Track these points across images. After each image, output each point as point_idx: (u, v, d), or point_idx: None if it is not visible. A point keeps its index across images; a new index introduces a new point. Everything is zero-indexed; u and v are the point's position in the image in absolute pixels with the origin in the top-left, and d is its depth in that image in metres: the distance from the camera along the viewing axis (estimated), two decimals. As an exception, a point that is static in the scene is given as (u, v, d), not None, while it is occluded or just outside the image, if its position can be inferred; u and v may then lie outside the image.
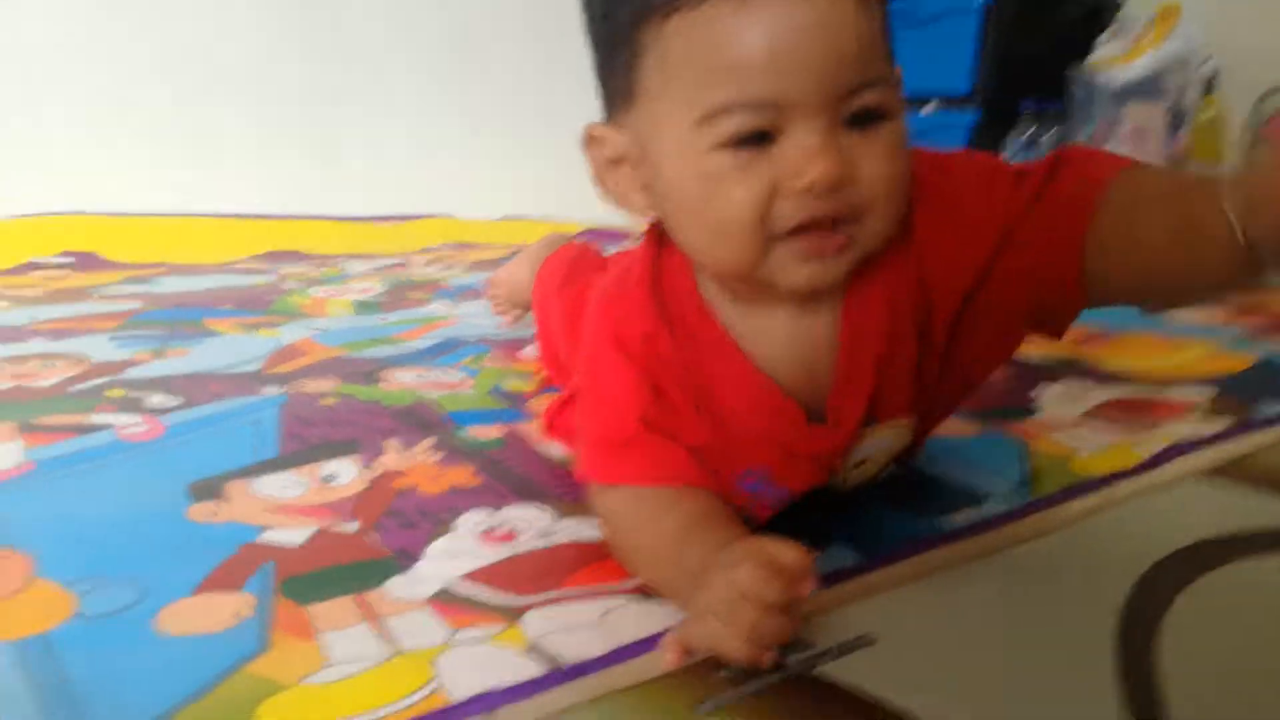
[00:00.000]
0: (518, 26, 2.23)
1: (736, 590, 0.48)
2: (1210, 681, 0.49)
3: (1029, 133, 2.34)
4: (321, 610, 0.57)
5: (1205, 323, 1.37)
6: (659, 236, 0.61)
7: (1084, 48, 2.35)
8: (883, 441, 0.64)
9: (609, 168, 0.58)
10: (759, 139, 0.50)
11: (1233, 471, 0.78)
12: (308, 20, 1.97)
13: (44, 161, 1.76)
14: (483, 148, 2.20)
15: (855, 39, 0.50)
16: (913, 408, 0.63)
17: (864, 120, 0.51)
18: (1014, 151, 2.34)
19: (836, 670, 0.50)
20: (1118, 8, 2.43)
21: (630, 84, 0.54)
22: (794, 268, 0.53)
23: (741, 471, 0.61)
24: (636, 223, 0.62)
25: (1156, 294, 0.57)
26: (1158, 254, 0.53)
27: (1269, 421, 0.89)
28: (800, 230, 0.51)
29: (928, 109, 2.33)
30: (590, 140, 0.58)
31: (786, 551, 0.49)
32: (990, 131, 2.30)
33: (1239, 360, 1.15)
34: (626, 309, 0.61)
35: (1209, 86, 2.32)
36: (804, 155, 0.49)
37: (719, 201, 0.51)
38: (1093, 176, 0.55)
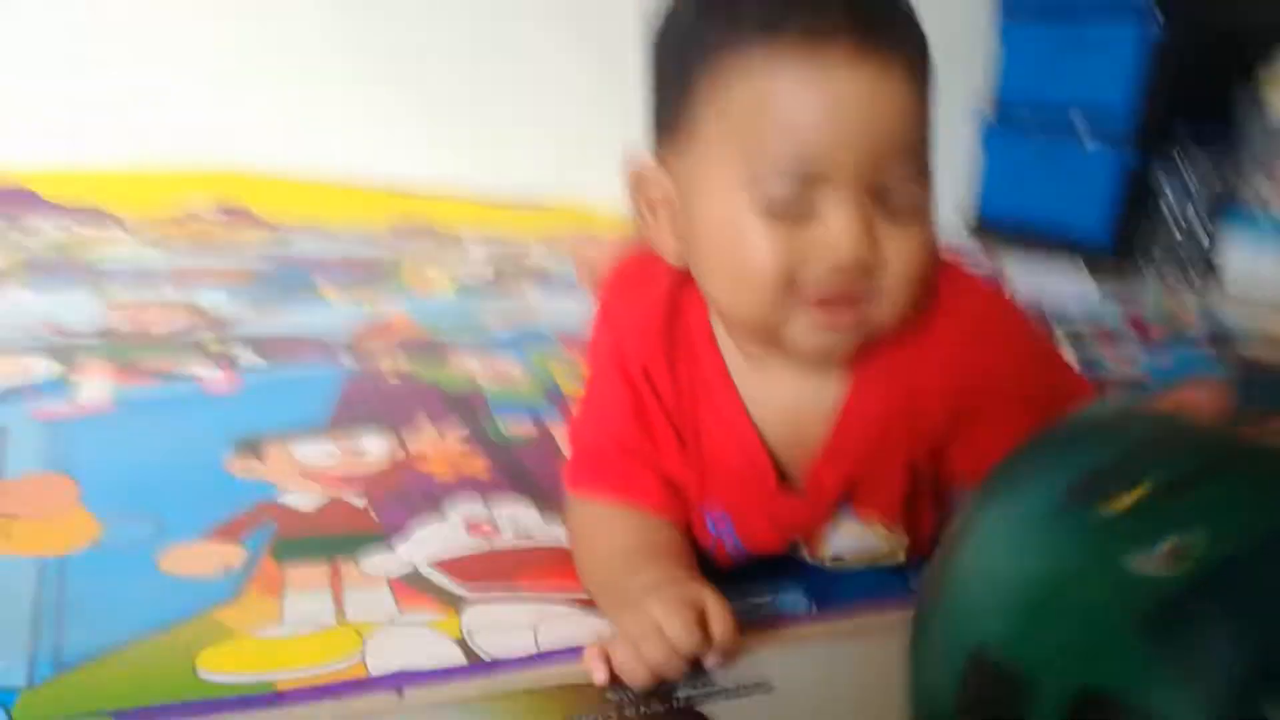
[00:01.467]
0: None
1: (656, 627, 0.52)
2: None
3: (1188, 181, 2.20)
4: (297, 572, 0.63)
5: None
6: (685, 271, 0.64)
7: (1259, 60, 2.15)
8: (859, 541, 0.65)
9: (649, 209, 0.61)
10: (796, 212, 0.53)
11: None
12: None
13: (209, 113, 1.92)
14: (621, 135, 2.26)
15: (908, 131, 0.53)
16: (894, 515, 0.64)
17: (899, 213, 0.54)
18: (1169, 206, 2.21)
19: (722, 709, 0.52)
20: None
21: (686, 124, 0.56)
22: (809, 335, 0.56)
23: (711, 510, 0.64)
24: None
25: None
26: None
27: None
28: (821, 303, 0.54)
29: (1089, 145, 2.23)
30: (635, 178, 0.61)
31: (719, 616, 0.53)
32: (1144, 177, 2.17)
33: None
34: (634, 330, 0.64)
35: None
36: (838, 235, 0.52)
37: (748, 262, 0.54)
38: None
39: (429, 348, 1.13)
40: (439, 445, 0.85)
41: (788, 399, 0.62)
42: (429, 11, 2.04)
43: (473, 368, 1.07)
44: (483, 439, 0.87)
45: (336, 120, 2.01)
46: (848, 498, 0.62)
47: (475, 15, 2.08)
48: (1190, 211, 2.21)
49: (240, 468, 0.77)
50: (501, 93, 2.15)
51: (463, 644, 0.57)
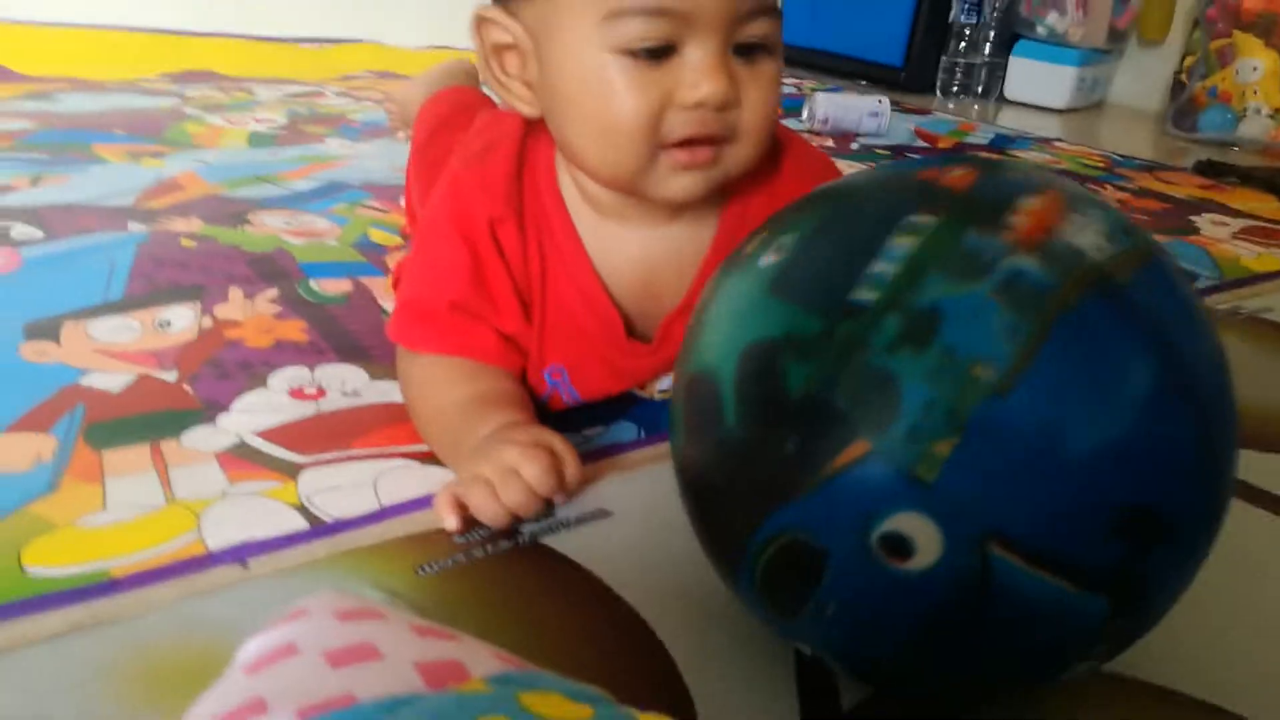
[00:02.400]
0: None
1: (512, 470, 0.53)
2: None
3: (980, 10, 2.28)
4: (115, 456, 0.61)
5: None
6: (530, 124, 0.63)
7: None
8: None
9: (495, 54, 0.59)
10: (657, 53, 0.53)
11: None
12: None
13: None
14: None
15: None
16: None
17: (751, 50, 0.55)
18: (958, 11, 2.29)
19: (564, 540, 0.55)
20: None
21: None
22: (671, 178, 0.57)
23: (548, 365, 0.65)
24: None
25: None
26: None
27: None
28: (684, 144, 0.55)
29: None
30: (480, 22, 0.59)
31: (569, 459, 0.55)
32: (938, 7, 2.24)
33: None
34: (480, 189, 0.63)
35: (1166, -45, 2.27)
36: (700, 72, 0.53)
37: (612, 107, 0.54)
38: None
39: (225, 207, 1.07)
40: (249, 311, 0.82)
41: (636, 254, 0.63)
42: None
43: (275, 225, 1.02)
44: (295, 301, 0.85)
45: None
46: None
47: None
48: (980, 38, 2.31)
49: (35, 352, 0.73)
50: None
51: (302, 509, 0.57)
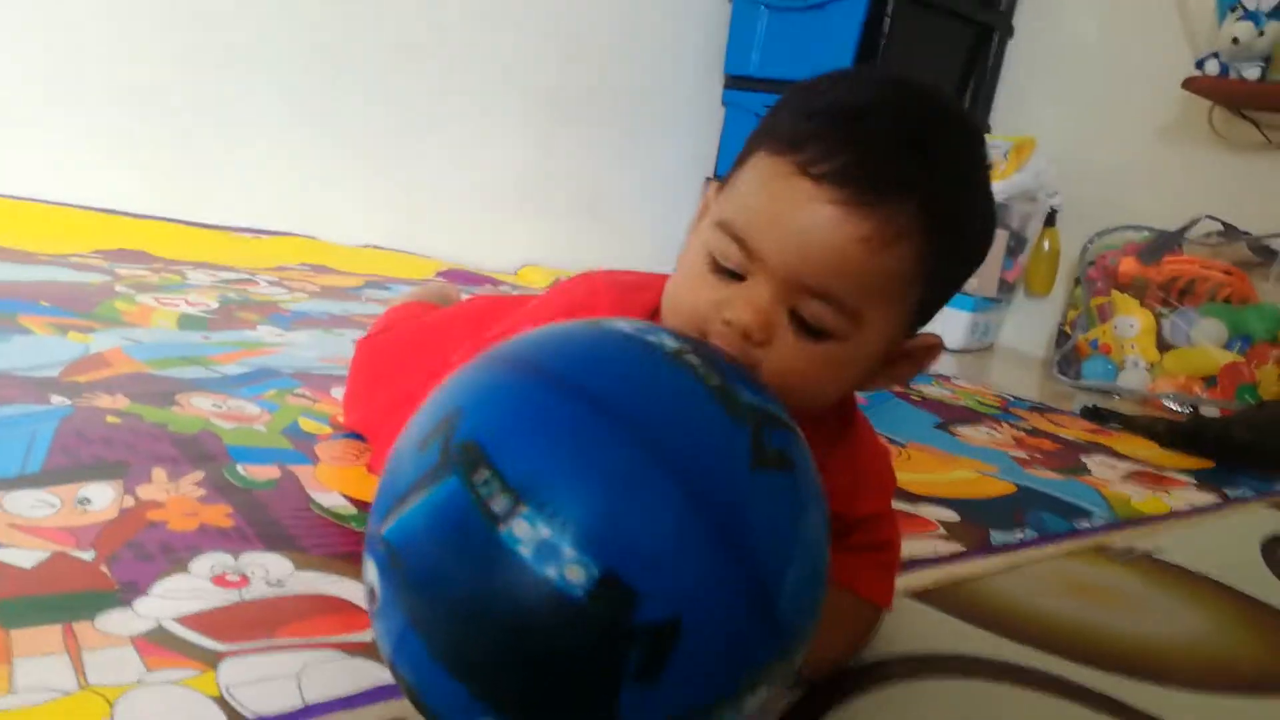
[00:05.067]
0: (393, 55, 2.24)
1: None
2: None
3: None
4: (25, 636, 0.58)
5: (989, 445, 1.48)
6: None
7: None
8: None
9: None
10: (729, 273, 0.58)
11: (936, 597, 0.86)
12: (179, 21, 1.94)
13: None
14: (354, 171, 2.21)
15: (849, 259, 0.56)
16: None
17: (808, 327, 0.57)
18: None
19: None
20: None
21: (731, 175, 0.63)
22: None
23: None
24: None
25: None
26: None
27: (990, 550, 0.98)
28: None
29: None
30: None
31: None
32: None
33: (1000, 486, 1.25)
34: (612, 297, 0.68)
35: (1050, 219, 2.50)
36: (739, 298, 0.57)
37: (684, 290, 0.61)
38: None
39: (153, 385, 1.06)
40: (173, 492, 0.81)
41: None
42: (138, 48, 1.91)
43: (204, 408, 1.02)
44: (222, 484, 0.84)
45: (37, 143, 1.84)
46: None
47: (195, 47, 1.97)
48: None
49: (-56, 523, 0.70)
50: (219, 124, 2.04)
51: (222, 701, 0.55)
